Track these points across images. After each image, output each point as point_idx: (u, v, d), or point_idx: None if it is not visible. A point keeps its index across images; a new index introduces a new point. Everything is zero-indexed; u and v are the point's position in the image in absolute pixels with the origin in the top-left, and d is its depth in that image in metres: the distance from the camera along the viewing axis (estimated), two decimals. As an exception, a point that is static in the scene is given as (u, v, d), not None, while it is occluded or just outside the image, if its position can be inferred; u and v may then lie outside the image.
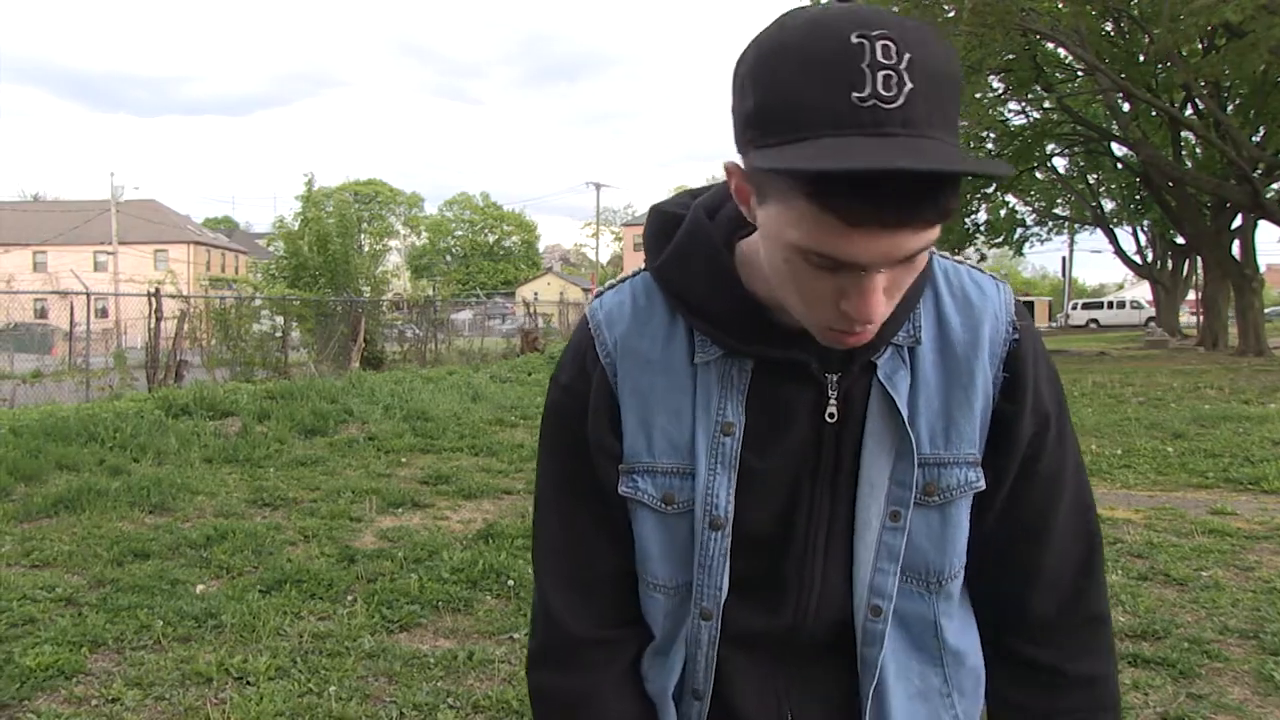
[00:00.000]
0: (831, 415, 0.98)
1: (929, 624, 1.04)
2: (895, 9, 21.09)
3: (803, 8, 0.81)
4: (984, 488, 1.01)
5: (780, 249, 0.83)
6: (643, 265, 1.06)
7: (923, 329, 0.99)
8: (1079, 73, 25.02)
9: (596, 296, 1.07)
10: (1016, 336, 1.01)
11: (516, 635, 4.34)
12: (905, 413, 0.97)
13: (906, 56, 0.74)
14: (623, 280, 1.07)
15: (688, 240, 0.99)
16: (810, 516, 1.00)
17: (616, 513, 1.04)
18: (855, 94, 0.73)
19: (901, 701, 1.03)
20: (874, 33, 0.74)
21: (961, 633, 1.07)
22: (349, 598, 4.89)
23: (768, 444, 0.99)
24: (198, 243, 64.98)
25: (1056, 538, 1.05)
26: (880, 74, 0.73)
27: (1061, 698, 1.08)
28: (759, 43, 0.80)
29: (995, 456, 1.02)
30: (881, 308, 0.83)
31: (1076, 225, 42.56)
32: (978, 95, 23.84)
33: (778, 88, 0.76)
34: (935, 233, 0.80)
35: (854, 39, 0.74)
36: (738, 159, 0.86)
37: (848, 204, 0.75)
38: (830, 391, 0.97)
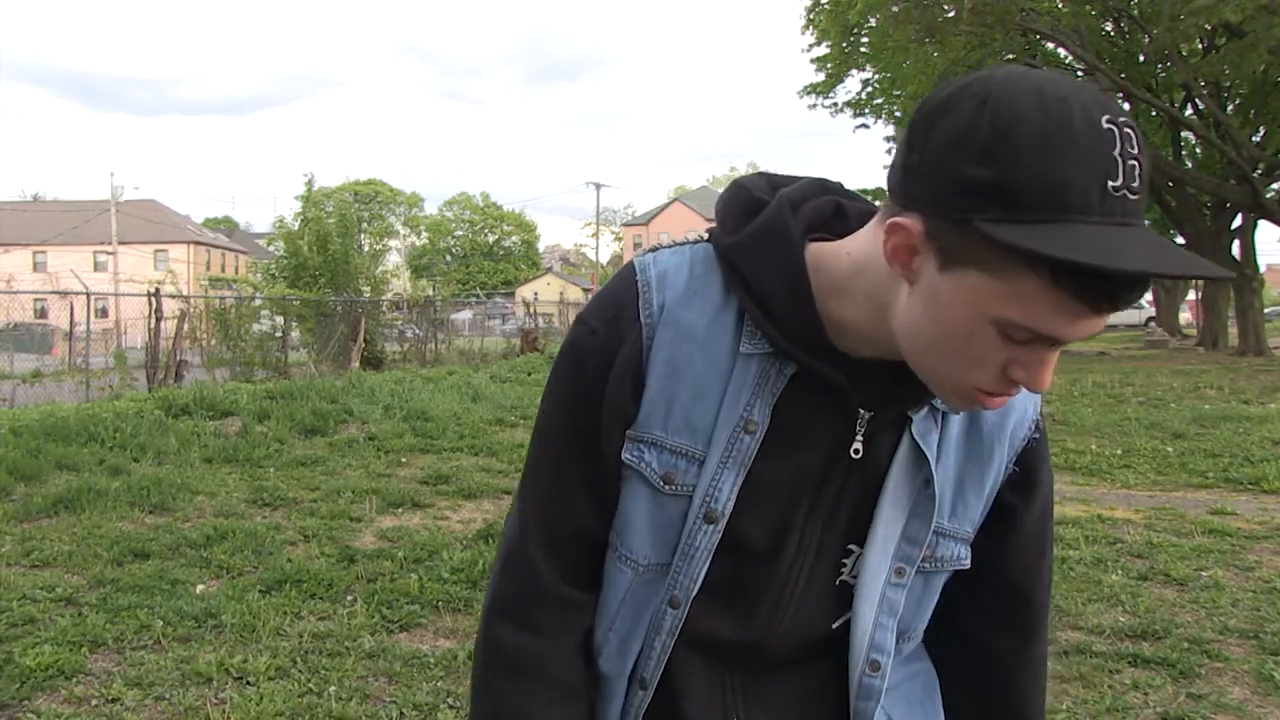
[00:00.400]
0: (857, 451, 0.97)
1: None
2: (895, 9, 21.14)
3: (1027, 71, 0.79)
4: (968, 567, 1.05)
5: (968, 318, 0.81)
6: (704, 234, 1.02)
7: None
8: (1079, 73, 25.02)
9: (650, 251, 1.02)
10: (1036, 435, 1.04)
11: (516, 635, 4.34)
12: (935, 472, 0.98)
13: (1141, 146, 0.76)
14: (681, 244, 1.02)
15: (768, 230, 0.95)
16: (801, 541, 1.00)
17: (611, 474, 1.01)
18: (1111, 183, 0.74)
19: None
20: (1119, 119, 0.75)
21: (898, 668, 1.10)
22: (349, 598, 4.89)
23: (781, 456, 0.97)
24: (198, 243, 65.01)
25: (1041, 618, 1.13)
26: (1129, 163, 0.74)
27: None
28: (985, 106, 0.76)
29: (999, 543, 1.07)
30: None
31: (1076, 225, 42.54)
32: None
33: (1025, 163, 0.74)
34: None
35: (1104, 124, 0.74)
36: (908, 216, 0.82)
37: (1105, 294, 0.76)
38: (859, 427, 0.96)
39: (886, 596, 0.99)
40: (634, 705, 1.04)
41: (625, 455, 0.98)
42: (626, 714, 1.04)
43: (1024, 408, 1.03)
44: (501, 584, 1.06)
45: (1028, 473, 1.04)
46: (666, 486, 0.98)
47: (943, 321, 0.83)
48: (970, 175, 0.76)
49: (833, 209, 0.98)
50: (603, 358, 0.98)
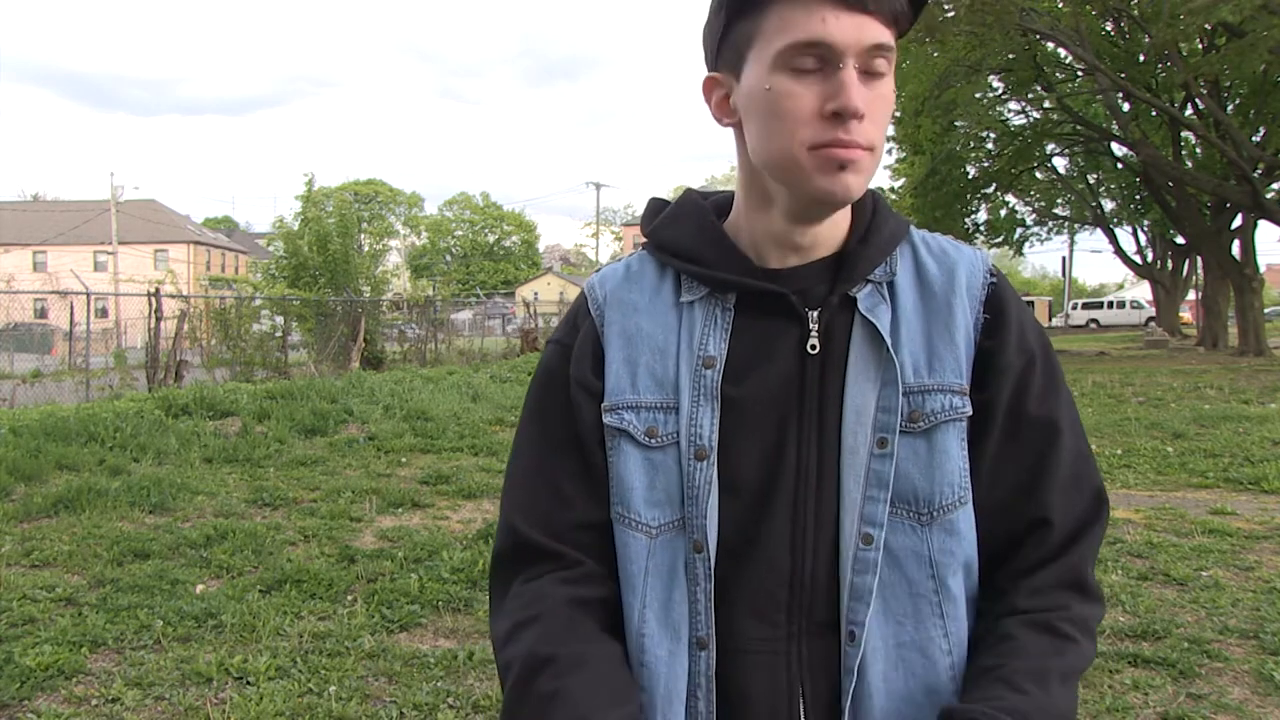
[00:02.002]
0: (813, 347, 1.02)
1: (923, 560, 1.00)
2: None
3: None
4: (970, 413, 1.02)
5: (764, 84, 0.95)
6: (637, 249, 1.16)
7: (899, 270, 1.06)
8: (1079, 72, 25.03)
9: (595, 273, 1.16)
10: (994, 280, 1.06)
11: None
12: (889, 340, 1.01)
13: None
14: (619, 259, 1.16)
15: (678, 206, 1.12)
16: (799, 455, 1.01)
17: (592, 459, 1.05)
18: None
19: (882, 647, 1.00)
20: None
21: (962, 583, 1.03)
22: (349, 598, 4.89)
23: (748, 376, 1.02)
24: (198, 242, 64.96)
25: (1056, 483, 1.02)
26: None
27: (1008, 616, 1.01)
28: None
29: (983, 393, 1.03)
30: (864, 102, 0.93)
31: (1076, 225, 42.55)
32: (978, 95, 23.85)
33: None
34: (892, 41, 0.94)
35: None
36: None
37: None
38: (811, 326, 1.02)
39: (872, 469, 0.99)
40: (699, 670, 1.01)
41: (607, 420, 1.04)
42: (694, 681, 1.01)
43: (971, 263, 1.07)
44: (494, 580, 1.08)
45: (998, 314, 1.05)
46: (651, 440, 1.03)
47: (757, 113, 0.98)
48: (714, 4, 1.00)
49: (732, 199, 1.12)
50: (564, 354, 1.09)
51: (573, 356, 1.08)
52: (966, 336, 1.03)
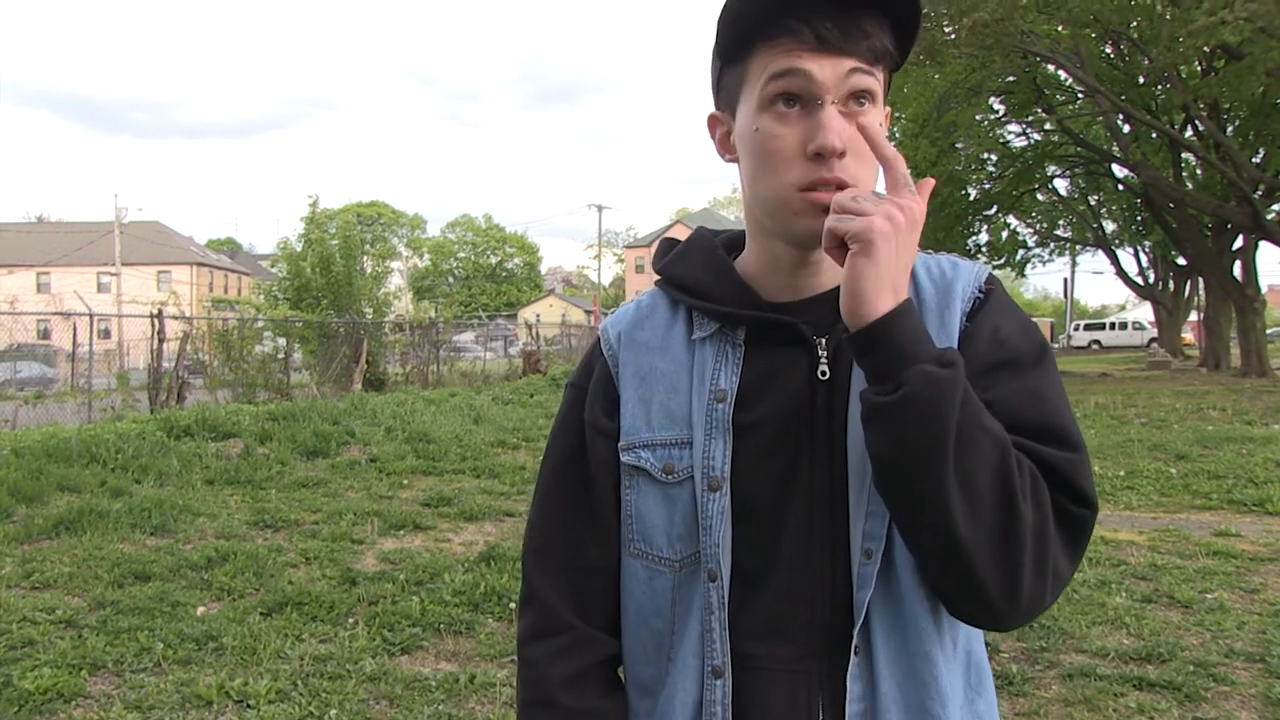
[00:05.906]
0: (823, 373, 1.03)
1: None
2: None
3: None
4: None
5: (752, 123, 0.99)
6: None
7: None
8: (1079, 95, 25.13)
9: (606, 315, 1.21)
10: (981, 295, 1.07)
11: (518, 658, 4.32)
12: None
13: None
14: (627, 300, 1.21)
15: (689, 243, 1.16)
16: (812, 478, 1.03)
17: (606, 501, 1.10)
18: None
19: (895, 659, 1.01)
20: None
21: None
22: (350, 620, 4.87)
23: (759, 404, 1.04)
24: (201, 264, 65.12)
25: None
26: None
27: None
28: None
29: None
30: (845, 140, 0.95)
31: (1078, 246, 42.60)
32: (978, 117, 23.95)
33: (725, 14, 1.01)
34: (875, 81, 0.97)
35: None
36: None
37: (794, 27, 0.94)
38: (821, 353, 1.04)
39: (871, 486, 0.99)
40: (714, 698, 1.04)
41: (625, 459, 1.08)
42: (709, 710, 1.04)
43: (966, 279, 1.07)
44: (523, 621, 1.14)
45: (975, 324, 1.04)
46: (669, 476, 1.06)
47: (748, 154, 1.02)
48: (714, 52, 1.04)
49: (743, 236, 1.16)
50: (579, 398, 1.15)
51: (586, 399, 1.13)
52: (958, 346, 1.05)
